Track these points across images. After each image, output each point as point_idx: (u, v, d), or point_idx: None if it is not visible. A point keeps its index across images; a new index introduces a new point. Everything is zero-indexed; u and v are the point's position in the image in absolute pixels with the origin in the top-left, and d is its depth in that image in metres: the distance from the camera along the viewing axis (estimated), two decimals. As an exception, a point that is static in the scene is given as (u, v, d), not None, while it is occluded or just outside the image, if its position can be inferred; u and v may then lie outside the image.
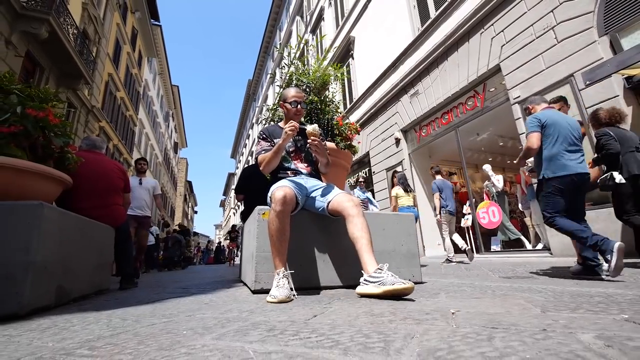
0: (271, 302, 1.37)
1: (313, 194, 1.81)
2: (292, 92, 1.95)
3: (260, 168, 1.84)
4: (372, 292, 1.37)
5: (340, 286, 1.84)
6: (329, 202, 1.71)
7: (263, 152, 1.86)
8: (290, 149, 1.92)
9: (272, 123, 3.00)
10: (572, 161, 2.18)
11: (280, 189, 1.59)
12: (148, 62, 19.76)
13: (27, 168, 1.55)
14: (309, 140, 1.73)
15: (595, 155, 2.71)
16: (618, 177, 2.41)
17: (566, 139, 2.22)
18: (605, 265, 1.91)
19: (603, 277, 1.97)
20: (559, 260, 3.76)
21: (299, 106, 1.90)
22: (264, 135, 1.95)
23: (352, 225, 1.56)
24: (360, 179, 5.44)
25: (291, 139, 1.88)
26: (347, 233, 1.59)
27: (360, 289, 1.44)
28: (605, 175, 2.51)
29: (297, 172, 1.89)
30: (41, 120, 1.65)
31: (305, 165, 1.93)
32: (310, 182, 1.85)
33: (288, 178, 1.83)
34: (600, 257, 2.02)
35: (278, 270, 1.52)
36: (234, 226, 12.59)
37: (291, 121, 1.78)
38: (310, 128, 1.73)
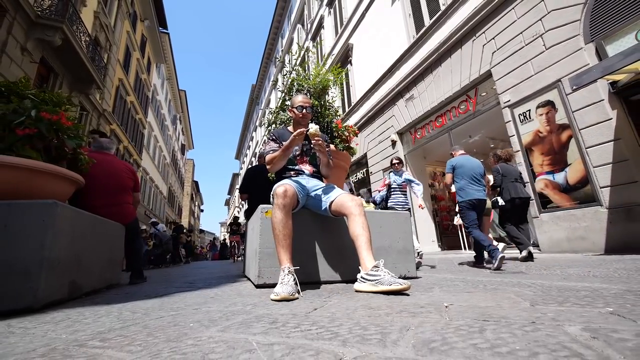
0: (273, 300, 1.29)
1: (314, 194, 1.80)
2: (299, 98, 1.99)
3: (268, 167, 1.85)
4: (369, 290, 1.35)
5: (339, 281, 1.84)
6: (332, 202, 1.70)
7: (271, 152, 1.85)
8: (296, 152, 1.92)
9: (274, 126, 3.00)
10: (472, 190, 3.26)
11: (282, 185, 1.62)
12: (156, 67, 19.77)
13: (42, 168, 1.55)
14: (312, 141, 1.74)
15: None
16: (501, 201, 3.64)
17: (470, 176, 3.30)
18: (491, 264, 2.76)
19: (487, 266, 2.93)
20: (547, 256, 3.76)
21: (304, 111, 1.92)
22: (273, 137, 1.95)
23: (353, 224, 1.55)
24: (395, 161, 4.40)
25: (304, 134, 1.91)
26: (348, 231, 1.58)
27: (357, 286, 1.42)
28: (494, 198, 3.73)
29: (299, 172, 1.89)
30: (55, 123, 1.65)
31: (309, 167, 1.93)
32: (311, 182, 1.84)
33: (290, 177, 1.84)
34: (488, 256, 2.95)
35: (283, 267, 1.45)
36: (235, 218, 11.06)
37: (301, 129, 1.76)
38: (312, 129, 1.74)
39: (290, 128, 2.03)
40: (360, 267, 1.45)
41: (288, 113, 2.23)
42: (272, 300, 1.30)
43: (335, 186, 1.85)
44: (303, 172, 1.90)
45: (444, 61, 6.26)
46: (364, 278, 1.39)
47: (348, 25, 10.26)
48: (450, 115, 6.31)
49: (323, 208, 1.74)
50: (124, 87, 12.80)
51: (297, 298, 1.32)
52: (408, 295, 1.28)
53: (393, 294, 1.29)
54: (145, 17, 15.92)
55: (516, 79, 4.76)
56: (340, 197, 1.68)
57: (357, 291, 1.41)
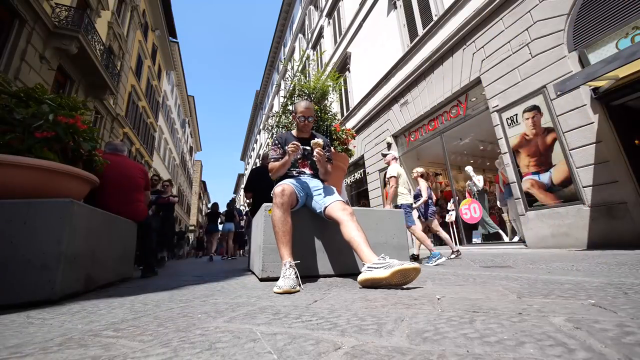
0: (276, 292, 1.29)
1: (313, 195, 1.80)
2: (301, 106, 1.91)
3: (270, 174, 1.88)
4: (379, 275, 1.25)
5: (337, 275, 1.84)
6: (326, 207, 1.68)
7: (273, 160, 1.88)
8: (298, 156, 1.92)
9: (277, 130, 2.99)
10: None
11: (280, 185, 1.64)
12: (167, 74, 19.76)
13: (59, 169, 1.55)
14: (314, 152, 1.74)
15: None
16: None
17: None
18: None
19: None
20: (533, 252, 3.75)
21: (306, 121, 1.90)
22: (278, 142, 1.94)
23: (346, 229, 1.52)
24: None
25: (300, 148, 1.90)
26: (342, 236, 1.54)
27: (365, 275, 1.32)
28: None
29: (301, 172, 1.90)
30: (71, 127, 1.65)
31: (309, 170, 1.93)
32: (312, 183, 1.84)
33: (292, 177, 1.85)
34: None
35: (285, 261, 1.45)
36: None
37: (293, 143, 1.74)
38: (316, 140, 1.78)
39: (294, 132, 2.03)
40: (364, 263, 1.39)
41: (290, 117, 2.24)
42: (275, 293, 1.30)
43: (334, 190, 1.82)
44: (304, 172, 1.90)
45: (436, 68, 6.26)
46: (371, 267, 1.32)
47: (346, 35, 10.25)
48: (442, 119, 6.31)
49: (318, 211, 1.74)
50: (136, 92, 12.79)
51: (299, 291, 1.32)
52: (402, 288, 1.28)
53: (405, 275, 1.25)
54: (156, 27, 15.92)
55: (504, 85, 4.75)
56: (333, 205, 1.65)
57: (365, 280, 1.33)
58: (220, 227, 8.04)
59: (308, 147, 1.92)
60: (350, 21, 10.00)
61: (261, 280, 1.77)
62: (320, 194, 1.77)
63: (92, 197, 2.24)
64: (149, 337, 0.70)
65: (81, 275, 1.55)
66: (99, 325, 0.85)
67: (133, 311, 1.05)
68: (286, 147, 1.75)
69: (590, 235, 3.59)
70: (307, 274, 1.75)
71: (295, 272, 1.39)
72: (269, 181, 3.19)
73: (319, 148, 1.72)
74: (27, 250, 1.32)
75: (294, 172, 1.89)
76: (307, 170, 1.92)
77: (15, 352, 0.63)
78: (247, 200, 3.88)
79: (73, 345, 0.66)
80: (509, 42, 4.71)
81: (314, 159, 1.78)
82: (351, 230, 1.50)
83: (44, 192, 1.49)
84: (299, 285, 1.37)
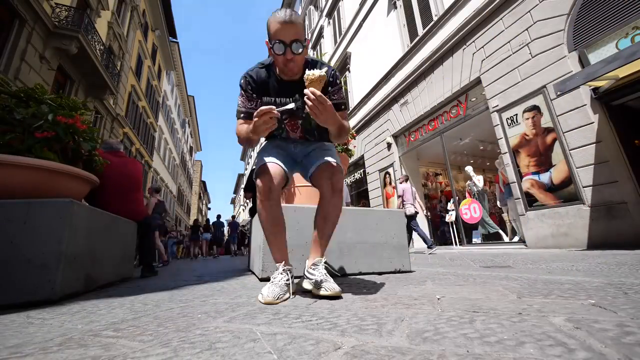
0: (259, 301, 1.08)
1: (303, 160, 1.32)
2: (276, 23, 1.04)
3: (238, 139, 1.23)
4: (308, 288, 1.22)
5: (337, 275, 1.84)
6: (314, 171, 1.22)
7: (242, 116, 1.20)
8: (284, 117, 1.25)
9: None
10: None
11: (264, 177, 1.13)
12: (167, 74, 19.76)
13: (59, 169, 1.55)
14: (305, 93, 0.99)
15: None
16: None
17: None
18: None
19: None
20: (533, 252, 3.75)
21: (287, 50, 1.06)
22: (249, 86, 1.18)
23: (322, 210, 1.20)
24: None
25: (289, 99, 1.18)
26: (316, 213, 1.24)
27: (302, 283, 1.28)
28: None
29: (289, 139, 1.34)
30: (71, 127, 1.65)
31: (301, 133, 1.31)
32: (305, 149, 1.32)
33: (273, 148, 1.28)
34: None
35: (277, 265, 1.20)
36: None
37: (263, 108, 0.99)
38: (310, 74, 1.00)
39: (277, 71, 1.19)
40: (309, 256, 1.26)
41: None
42: (258, 301, 1.09)
43: (332, 147, 1.32)
44: (295, 140, 1.34)
45: (436, 68, 6.26)
46: (305, 275, 1.25)
47: (346, 35, 10.26)
48: (442, 119, 6.31)
49: (308, 177, 1.28)
50: (136, 93, 12.79)
51: (286, 299, 1.09)
52: (403, 287, 1.28)
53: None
54: (156, 27, 15.93)
55: (504, 85, 4.76)
56: (321, 166, 1.19)
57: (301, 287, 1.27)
58: (202, 236, 11.08)
59: (297, 97, 1.17)
60: (350, 21, 10.00)
61: (261, 280, 1.77)
62: (311, 156, 1.28)
63: (92, 197, 2.25)
64: (149, 337, 0.70)
65: (81, 275, 1.55)
66: (99, 325, 0.85)
67: (133, 311, 1.05)
68: (255, 114, 1.01)
69: (590, 235, 3.59)
70: (307, 274, 1.74)
71: (288, 278, 1.16)
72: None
73: (312, 87, 1.00)
74: (27, 250, 1.32)
75: (278, 138, 1.35)
76: (297, 136, 1.32)
77: (15, 352, 0.63)
78: (247, 200, 3.88)
79: (73, 345, 0.66)
80: (509, 42, 4.72)
81: (307, 109, 1.02)
82: (327, 214, 1.19)
83: (44, 192, 1.49)
84: (289, 292, 1.13)
